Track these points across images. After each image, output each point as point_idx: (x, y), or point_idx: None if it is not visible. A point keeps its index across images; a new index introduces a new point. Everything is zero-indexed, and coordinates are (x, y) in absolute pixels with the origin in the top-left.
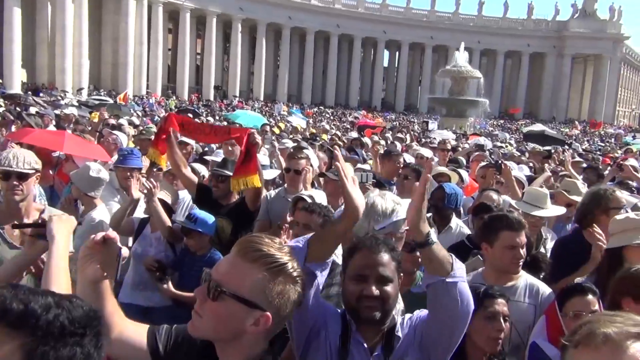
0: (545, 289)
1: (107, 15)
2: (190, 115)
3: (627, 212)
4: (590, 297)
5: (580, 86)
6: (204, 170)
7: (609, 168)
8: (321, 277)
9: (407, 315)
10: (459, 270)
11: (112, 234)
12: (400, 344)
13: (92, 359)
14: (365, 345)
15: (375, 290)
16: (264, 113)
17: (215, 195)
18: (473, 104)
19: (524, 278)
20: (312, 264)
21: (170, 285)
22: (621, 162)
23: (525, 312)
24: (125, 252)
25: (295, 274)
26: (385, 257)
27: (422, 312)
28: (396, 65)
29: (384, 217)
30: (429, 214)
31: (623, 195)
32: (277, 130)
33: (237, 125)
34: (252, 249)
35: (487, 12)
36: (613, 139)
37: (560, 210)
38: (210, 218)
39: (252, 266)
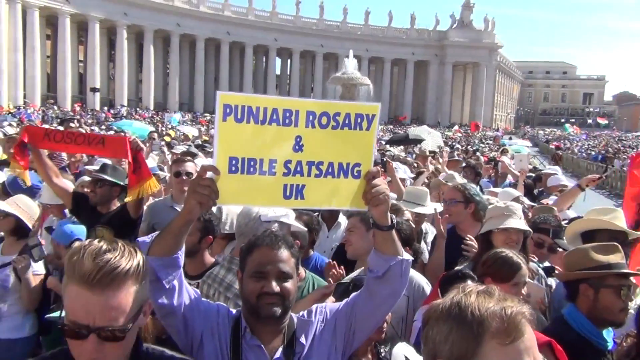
0: (419, 281)
1: None
2: (72, 124)
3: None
4: (469, 282)
5: (461, 92)
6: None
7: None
8: (164, 273)
9: (313, 316)
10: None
11: None
12: (308, 349)
13: None
14: (264, 347)
15: (275, 287)
16: (154, 122)
17: (92, 202)
18: None
19: None
20: (153, 257)
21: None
22: (497, 159)
23: (399, 303)
24: None
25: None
26: (284, 253)
27: (329, 306)
28: (288, 73)
29: (274, 212)
30: (317, 213)
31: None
32: (167, 139)
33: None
34: (108, 274)
35: (373, 22)
36: (491, 141)
37: (438, 206)
38: (77, 230)
39: (124, 289)
